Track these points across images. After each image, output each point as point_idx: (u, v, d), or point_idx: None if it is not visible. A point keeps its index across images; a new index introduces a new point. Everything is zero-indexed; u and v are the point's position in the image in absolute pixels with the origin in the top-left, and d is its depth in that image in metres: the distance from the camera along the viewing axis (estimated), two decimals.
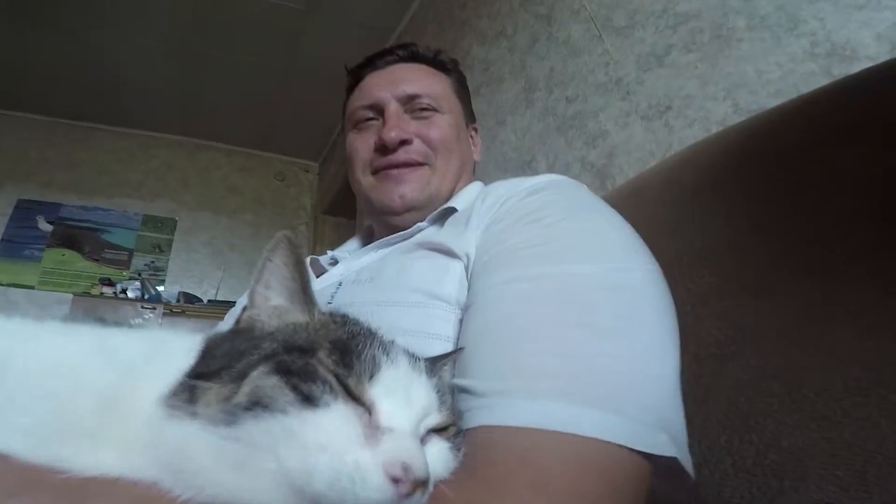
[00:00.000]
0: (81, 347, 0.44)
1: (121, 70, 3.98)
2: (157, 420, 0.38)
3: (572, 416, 0.45)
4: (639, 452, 0.45)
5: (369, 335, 0.45)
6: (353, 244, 1.08)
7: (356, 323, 0.48)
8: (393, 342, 0.46)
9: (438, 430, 0.44)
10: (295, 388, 0.37)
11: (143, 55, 3.81)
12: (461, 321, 0.62)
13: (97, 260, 4.44)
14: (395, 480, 0.34)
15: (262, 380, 0.38)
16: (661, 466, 0.48)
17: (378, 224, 1.01)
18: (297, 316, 0.47)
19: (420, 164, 0.93)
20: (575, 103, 1.78)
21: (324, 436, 0.36)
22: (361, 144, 0.97)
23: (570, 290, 0.54)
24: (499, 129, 2.11)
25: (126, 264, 4.48)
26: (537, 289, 0.56)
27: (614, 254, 0.59)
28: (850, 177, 0.60)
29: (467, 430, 0.48)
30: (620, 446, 0.45)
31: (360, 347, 0.42)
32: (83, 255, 4.42)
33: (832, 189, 0.61)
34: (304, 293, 0.47)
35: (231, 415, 0.36)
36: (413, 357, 0.46)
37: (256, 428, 0.36)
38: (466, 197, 0.88)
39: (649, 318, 0.54)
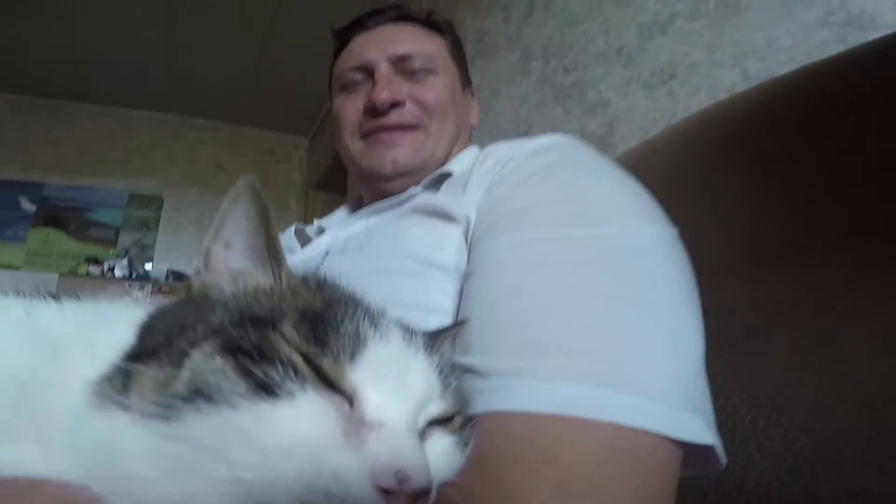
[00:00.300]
0: None
1: (100, 47, 3.84)
2: (81, 413, 0.30)
3: (599, 401, 0.39)
4: (673, 441, 0.40)
5: (352, 303, 0.37)
6: (341, 213, 1.00)
7: (335, 288, 0.40)
8: (382, 312, 0.38)
9: (441, 422, 0.36)
10: (246, 374, 0.29)
11: (123, 31, 3.67)
12: (461, 292, 0.56)
13: (82, 239, 4.34)
14: (387, 493, 0.26)
15: (203, 362, 0.30)
16: (690, 454, 0.42)
17: (368, 191, 0.93)
18: (259, 279, 0.38)
19: (413, 128, 0.85)
20: (573, 72, 1.72)
21: (287, 436, 0.28)
22: (350, 107, 0.89)
23: (589, 254, 0.48)
24: (493, 99, 2.04)
25: (112, 242, 4.39)
26: (551, 253, 0.49)
27: (634, 216, 0.52)
28: (881, 142, 0.54)
29: (476, 415, 0.40)
30: (655, 434, 0.39)
31: (339, 318, 0.33)
32: (68, 235, 4.33)
33: (865, 155, 0.55)
34: (269, 251, 0.38)
35: (168, 407, 0.28)
36: (408, 330, 0.38)
37: (199, 425, 0.28)
38: (463, 161, 0.81)
39: (675, 285, 0.48)
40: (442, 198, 0.68)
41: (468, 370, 0.45)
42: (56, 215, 4.35)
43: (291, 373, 0.30)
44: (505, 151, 0.67)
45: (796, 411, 0.50)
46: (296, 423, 0.28)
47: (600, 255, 0.48)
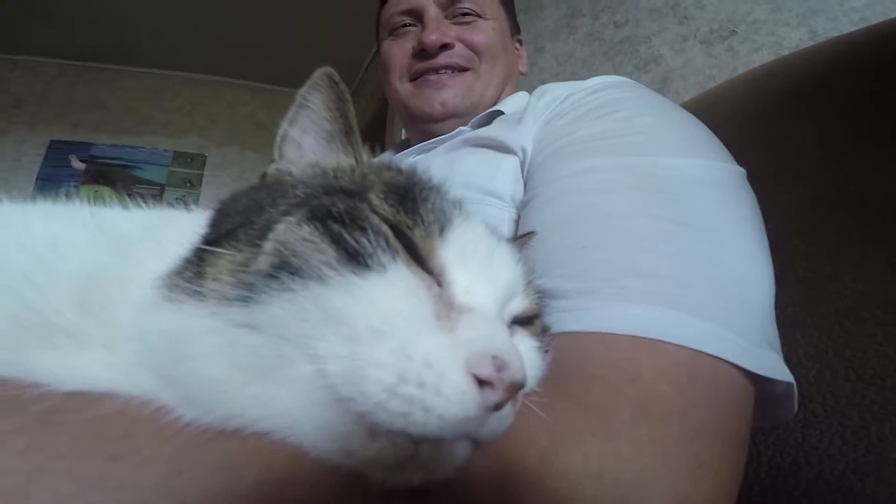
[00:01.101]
0: (66, 222, 0.34)
1: (139, 12, 3.87)
2: (150, 308, 0.27)
3: (676, 324, 0.36)
4: (749, 375, 0.37)
5: (434, 185, 0.34)
6: (386, 156, 1.00)
7: (415, 172, 0.37)
8: (462, 201, 0.34)
9: (523, 323, 0.33)
10: (337, 241, 0.26)
11: None
12: (517, 221, 0.54)
13: (129, 195, 4.45)
14: (483, 383, 0.23)
15: (290, 232, 0.27)
16: (761, 396, 0.40)
17: (415, 133, 0.92)
18: (340, 160, 0.36)
19: (463, 70, 0.84)
20: (624, 28, 1.65)
21: (379, 314, 0.24)
22: (398, 51, 0.88)
23: (654, 181, 0.45)
24: (538, 56, 1.98)
25: (158, 198, 4.49)
26: (616, 178, 0.46)
27: (702, 149, 0.49)
28: None
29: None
30: (734, 366, 0.36)
31: (424, 194, 0.31)
32: (116, 191, 4.45)
33: None
34: (349, 136, 0.37)
35: (248, 288, 0.25)
36: (488, 225, 0.34)
37: (282, 306, 0.25)
38: (514, 102, 0.79)
39: (744, 220, 0.45)
40: (495, 130, 0.66)
41: None
42: (104, 172, 4.48)
43: (383, 243, 0.27)
44: (562, 89, 0.65)
45: (865, 365, 0.47)
46: (388, 300, 0.25)
47: (666, 183, 0.45)
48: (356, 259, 0.26)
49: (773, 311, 0.44)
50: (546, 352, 0.34)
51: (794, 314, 0.52)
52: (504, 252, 0.32)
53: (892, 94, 0.57)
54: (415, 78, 0.86)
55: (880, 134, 0.55)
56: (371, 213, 0.28)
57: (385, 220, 0.28)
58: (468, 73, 0.84)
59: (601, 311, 0.38)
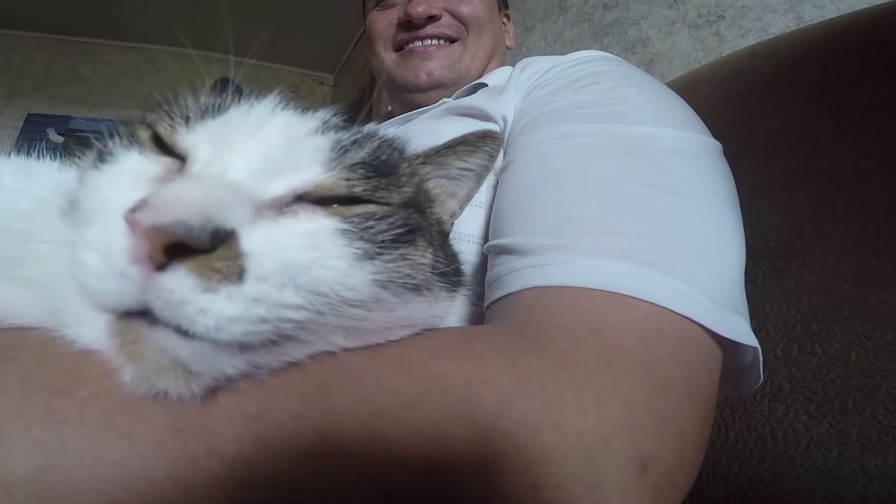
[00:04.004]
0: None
1: None
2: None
3: (646, 281, 0.36)
4: (715, 338, 0.37)
5: (211, 89, 0.39)
6: (370, 127, 0.99)
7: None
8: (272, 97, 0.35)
9: (325, 202, 0.29)
10: (98, 150, 0.33)
11: None
12: (495, 187, 0.54)
13: None
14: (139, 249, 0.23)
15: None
16: (728, 362, 0.40)
17: (399, 104, 0.92)
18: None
19: (450, 41, 0.84)
20: (614, 10, 1.65)
21: (94, 198, 0.28)
22: (383, 21, 0.88)
23: (636, 149, 0.45)
24: (527, 35, 1.96)
25: None
26: (597, 144, 0.46)
27: (680, 122, 0.49)
28: None
29: (513, 294, 0.39)
30: (700, 326, 0.36)
31: (185, 100, 0.35)
32: None
33: None
34: None
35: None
36: (328, 121, 0.34)
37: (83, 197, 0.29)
38: (498, 76, 0.79)
39: (717, 189, 0.45)
40: (477, 99, 0.66)
41: (504, 251, 0.43)
42: (82, 146, 4.39)
43: (126, 141, 0.32)
44: (545, 62, 0.65)
45: (831, 339, 0.48)
46: (103, 183, 0.29)
47: (643, 151, 0.45)
48: (102, 157, 0.31)
49: (743, 278, 0.44)
50: (371, 243, 0.28)
51: (763, 286, 0.52)
52: (285, 126, 0.31)
53: (866, 77, 0.57)
54: (400, 48, 0.86)
55: (854, 115, 0.56)
56: (137, 126, 0.33)
57: (144, 125, 0.33)
58: (455, 44, 0.84)
59: (571, 265, 0.38)
